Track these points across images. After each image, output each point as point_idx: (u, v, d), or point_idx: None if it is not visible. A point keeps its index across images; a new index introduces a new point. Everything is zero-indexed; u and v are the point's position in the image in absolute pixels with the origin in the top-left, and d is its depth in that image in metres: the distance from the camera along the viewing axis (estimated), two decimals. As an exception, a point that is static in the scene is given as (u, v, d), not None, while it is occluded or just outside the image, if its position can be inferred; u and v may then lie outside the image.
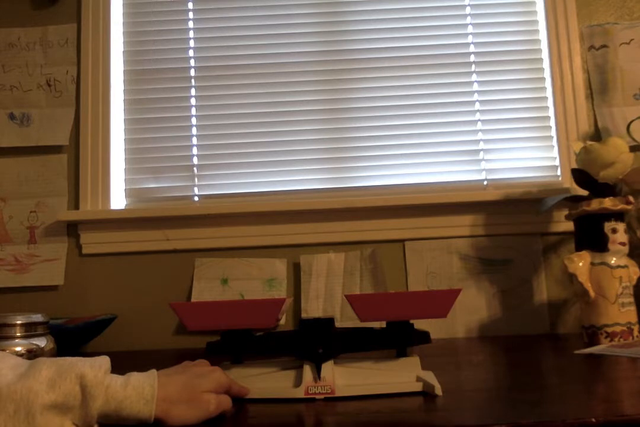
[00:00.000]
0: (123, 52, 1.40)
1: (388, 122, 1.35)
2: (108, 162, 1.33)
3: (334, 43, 1.39)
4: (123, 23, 1.41)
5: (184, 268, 1.29)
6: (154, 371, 0.53)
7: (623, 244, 1.00)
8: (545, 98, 1.35)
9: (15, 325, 0.84)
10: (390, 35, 1.38)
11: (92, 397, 0.47)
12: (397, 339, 0.65)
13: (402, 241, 1.29)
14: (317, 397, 0.62)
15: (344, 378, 0.63)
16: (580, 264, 1.00)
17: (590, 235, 1.03)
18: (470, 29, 1.39)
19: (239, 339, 0.65)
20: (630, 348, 0.88)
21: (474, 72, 1.37)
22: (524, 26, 1.38)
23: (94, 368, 0.48)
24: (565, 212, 1.11)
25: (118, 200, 1.34)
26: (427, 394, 0.61)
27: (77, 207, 1.32)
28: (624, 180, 1.07)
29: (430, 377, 0.64)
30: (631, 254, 1.03)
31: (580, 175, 1.07)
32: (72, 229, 1.31)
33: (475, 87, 1.36)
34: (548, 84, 1.35)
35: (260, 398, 0.62)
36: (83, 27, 1.37)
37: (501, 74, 1.36)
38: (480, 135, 1.35)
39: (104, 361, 0.50)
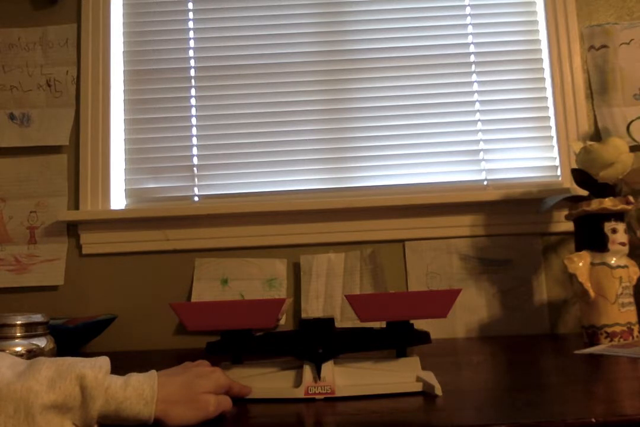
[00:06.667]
0: (123, 52, 1.40)
1: (388, 122, 1.35)
2: (108, 162, 1.33)
3: (334, 43, 1.39)
4: (123, 23, 1.41)
5: (184, 268, 1.29)
6: (153, 372, 0.53)
7: (623, 244, 1.00)
8: (545, 98, 1.35)
9: (15, 325, 0.84)
10: (391, 36, 1.38)
11: (92, 398, 0.47)
12: (397, 339, 0.65)
13: (402, 241, 1.29)
14: (317, 397, 0.62)
15: (344, 378, 0.63)
16: (580, 264, 1.00)
17: (590, 235, 1.03)
18: (470, 29, 1.38)
19: (239, 339, 0.65)
20: (630, 348, 0.88)
21: (474, 72, 1.37)
22: (524, 26, 1.38)
23: (94, 369, 0.48)
24: (565, 212, 1.11)
25: (118, 201, 1.34)
26: (427, 394, 0.61)
27: (77, 207, 1.32)
28: (624, 181, 1.07)
29: (430, 377, 0.64)
30: (631, 254, 1.03)
31: (580, 176, 1.07)
32: (72, 229, 1.31)
33: (476, 87, 1.36)
34: (548, 84, 1.35)
35: (260, 398, 0.62)
36: (83, 27, 1.37)
37: (501, 74, 1.36)
38: (480, 136, 1.35)
39: (104, 362, 0.50)
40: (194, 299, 1.26)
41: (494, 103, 1.35)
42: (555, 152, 1.33)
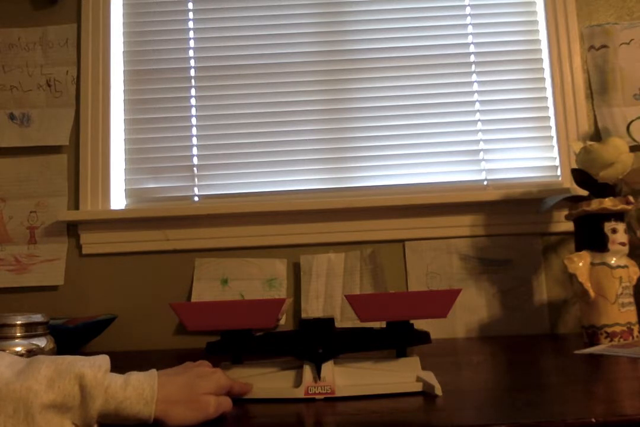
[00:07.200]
0: (123, 52, 1.40)
1: (388, 122, 1.35)
2: (108, 162, 1.33)
3: (334, 43, 1.39)
4: (123, 23, 1.41)
5: (184, 268, 1.29)
6: (154, 371, 0.53)
7: (623, 244, 1.00)
8: (545, 98, 1.35)
9: (15, 325, 0.84)
10: (391, 36, 1.38)
11: (91, 397, 0.47)
12: (397, 339, 0.65)
13: (402, 241, 1.29)
14: (317, 397, 0.62)
15: (344, 378, 0.63)
16: (580, 264, 1.00)
17: (590, 235, 1.03)
18: (470, 29, 1.38)
19: (239, 339, 0.65)
20: (630, 348, 0.88)
21: (474, 72, 1.37)
22: (524, 26, 1.38)
23: (94, 368, 0.48)
24: (565, 212, 1.11)
25: (118, 201, 1.34)
26: (427, 394, 0.61)
27: (77, 207, 1.32)
28: (624, 181, 1.07)
29: (430, 377, 0.64)
30: (631, 254, 1.03)
31: (580, 176, 1.07)
32: (72, 229, 1.31)
33: (476, 87, 1.36)
34: (548, 84, 1.35)
35: (260, 398, 0.62)
36: (83, 27, 1.37)
37: (501, 74, 1.36)
38: (480, 136, 1.35)
39: (104, 361, 0.50)
40: (194, 299, 1.26)
41: (494, 103, 1.35)
42: (555, 152, 1.33)
